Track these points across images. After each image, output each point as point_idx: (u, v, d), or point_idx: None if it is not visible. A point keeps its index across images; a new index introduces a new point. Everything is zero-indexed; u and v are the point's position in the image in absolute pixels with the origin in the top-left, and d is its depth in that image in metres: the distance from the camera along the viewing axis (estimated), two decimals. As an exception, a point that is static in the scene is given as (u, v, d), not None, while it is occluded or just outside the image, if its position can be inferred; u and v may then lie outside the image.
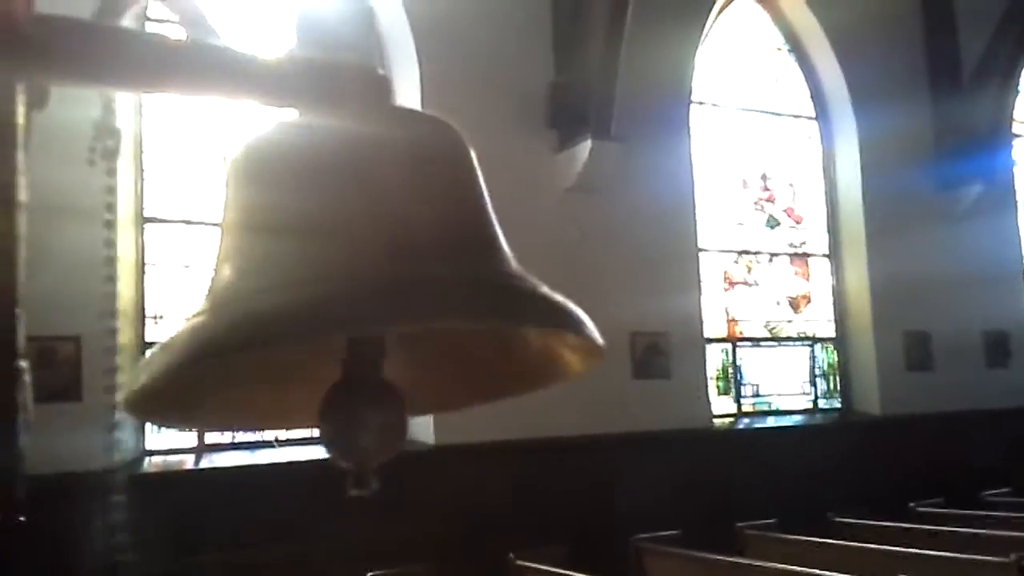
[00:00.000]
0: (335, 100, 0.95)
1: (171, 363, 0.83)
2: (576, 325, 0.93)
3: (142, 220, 5.97)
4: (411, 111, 1.05)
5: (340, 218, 0.88)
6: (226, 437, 6.01)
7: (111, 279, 1.18)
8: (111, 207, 1.14)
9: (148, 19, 6.08)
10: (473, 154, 1.01)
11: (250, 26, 6.26)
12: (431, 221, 0.91)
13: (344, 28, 1.05)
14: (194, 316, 0.88)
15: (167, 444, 5.87)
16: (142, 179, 5.99)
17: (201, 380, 0.97)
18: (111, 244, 1.16)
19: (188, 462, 5.85)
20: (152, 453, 5.80)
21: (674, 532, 6.14)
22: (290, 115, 0.99)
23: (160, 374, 0.84)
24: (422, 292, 0.83)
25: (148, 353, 0.90)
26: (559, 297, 0.94)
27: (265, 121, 0.97)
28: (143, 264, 5.93)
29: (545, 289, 0.94)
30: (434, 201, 0.93)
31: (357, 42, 1.05)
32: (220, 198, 1.01)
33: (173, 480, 5.61)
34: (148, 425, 5.80)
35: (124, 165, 5.79)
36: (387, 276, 0.83)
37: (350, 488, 0.93)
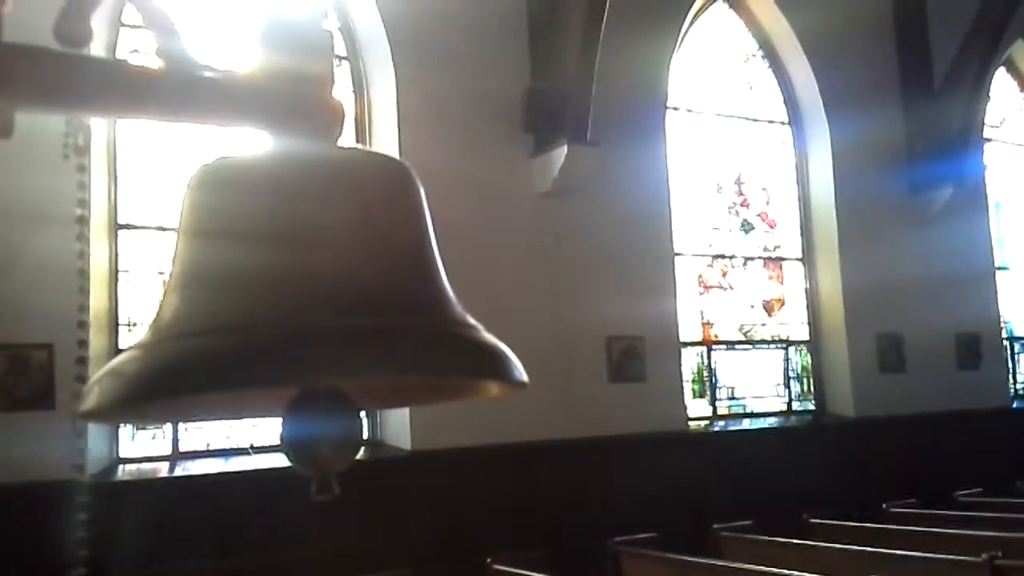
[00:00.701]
0: (294, 125, 1.00)
1: (114, 397, 0.89)
2: (502, 374, 0.98)
3: (115, 227, 5.93)
4: (367, 153, 1.08)
5: (284, 266, 0.91)
6: (201, 444, 5.98)
7: (83, 274, 1.19)
8: (83, 203, 1.16)
9: (123, 24, 6.07)
10: (422, 193, 1.04)
11: (217, 28, 6.22)
12: (371, 270, 0.95)
13: (307, 36, 1.07)
14: (138, 346, 0.93)
15: (141, 452, 5.83)
16: (115, 186, 5.95)
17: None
18: (84, 239, 1.18)
19: (162, 469, 5.80)
20: (126, 461, 5.75)
21: (651, 535, 6.16)
22: (252, 137, 1.01)
23: (106, 404, 0.90)
24: (348, 347, 0.87)
25: (98, 372, 0.94)
26: (491, 342, 0.98)
27: (219, 156, 1.00)
28: (116, 271, 5.89)
29: (479, 335, 0.98)
30: (374, 250, 0.96)
31: (320, 48, 1.07)
32: (176, 220, 1.05)
33: (147, 488, 5.57)
34: (121, 433, 5.75)
35: (97, 171, 5.74)
36: (319, 328, 0.87)
37: (313, 494, 0.98)
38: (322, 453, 0.97)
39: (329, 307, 0.89)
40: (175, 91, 1.00)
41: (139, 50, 6.01)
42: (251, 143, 1.05)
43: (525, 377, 0.99)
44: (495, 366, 0.98)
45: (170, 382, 0.87)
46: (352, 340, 0.87)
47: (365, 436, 1.10)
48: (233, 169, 0.99)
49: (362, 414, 1.03)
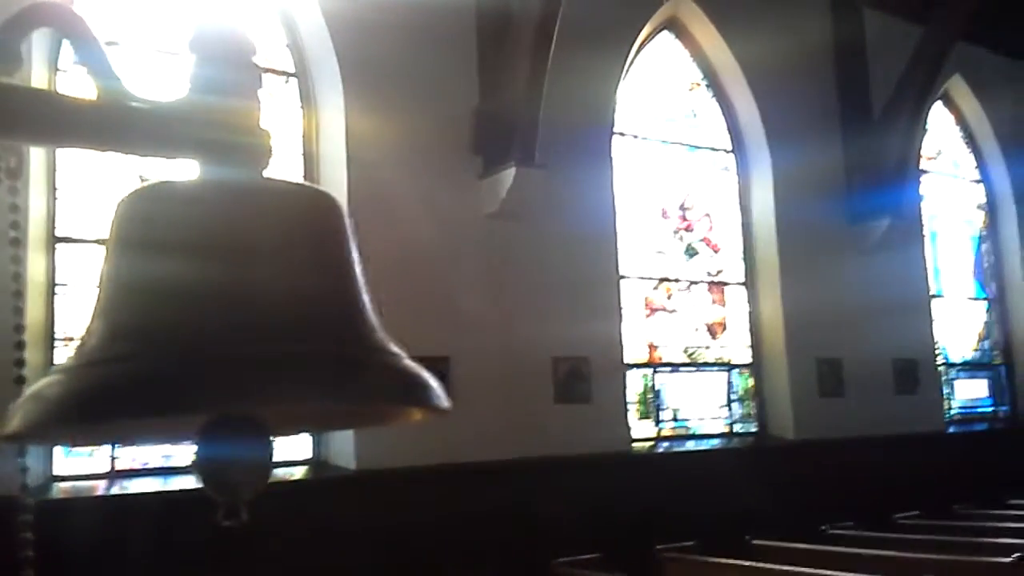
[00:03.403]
0: (222, 155, 1.02)
1: (35, 420, 0.91)
2: (423, 401, 1.01)
3: (53, 240, 5.81)
4: (293, 183, 1.11)
5: (206, 292, 0.93)
6: (138, 463, 5.86)
7: (19, 295, 1.18)
8: (16, 225, 1.16)
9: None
10: (349, 224, 1.07)
11: (147, 57, 6.16)
12: (293, 298, 0.97)
13: (234, 44, 1.09)
14: (61, 370, 0.94)
15: (77, 469, 5.69)
16: (54, 198, 5.84)
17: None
18: (19, 261, 1.17)
19: (99, 488, 5.67)
20: (60, 479, 5.61)
21: (595, 555, 6.18)
22: (181, 166, 1.05)
23: (28, 426, 0.92)
24: (268, 374, 0.89)
25: (21, 396, 0.95)
26: (412, 368, 1.00)
27: (147, 183, 1.03)
28: (53, 285, 5.76)
29: (400, 361, 1.00)
30: (301, 277, 0.99)
31: (247, 62, 1.10)
32: (103, 247, 1.07)
33: (83, 506, 5.43)
34: (56, 450, 5.61)
35: (35, 184, 5.64)
36: (239, 355, 0.89)
37: (220, 520, 0.98)
38: (233, 479, 0.99)
39: (252, 334, 0.91)
40: (105, 122, 1.01)
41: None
42: (180, 171, 1.07)
43: (446, 403, 1.02)
44: (416, 393, 1.00)
45: (90, 408, 0.89)
46: (272, 367, 0.89)
47: (275, 462, 1.10)
48: (160, 197, 1.01)
49: (274, 440, 1.04)
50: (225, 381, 0.87)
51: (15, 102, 0.98)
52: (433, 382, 1.00)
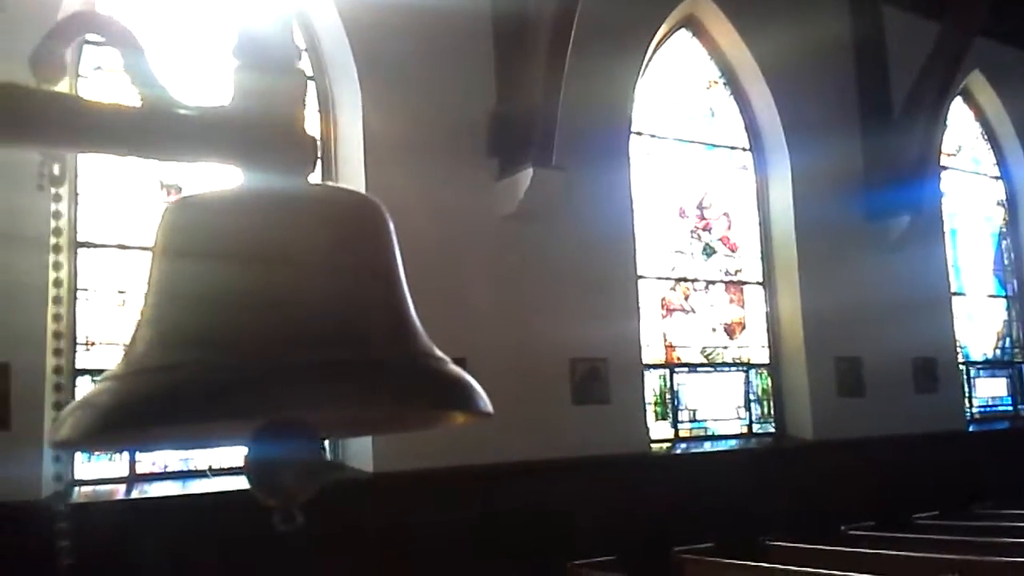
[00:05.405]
0: (266, 161, 1.02)
1: (87, 427, 0.92)
2: (469, 406, 1.02)
3: (75, 245, 5.85)
4: (338, 189, 1.11)
5: (252, 300, 0.94)
6: (158, 466, 5.89)
7: (59, 301, 1.20)
8: (58, 231, 1.17)
9: (87, 41, 6.02)
10: (393, 230, 1.07)
11: (190, 63, 6.19)
12: (340, 304, 0.97)
13: (277, 50, 1.08)
14: (110, 378, 0.95)
15: (97, 473, 5.73)
16: (76, 203, 5.87)
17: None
18: (59, 267, 1.19)
19: (119, 492, 5.71)
20: (81, 483, 5.65)
21: (612, 557, 6.18)
22: (224, 173, 1.04)
23: (79, 434, 0.92)
24: (319, 381, 0.90)
25: (70, 404, 0.96)
26: (457, 374, 1.01)
27: (193, 192, 1.03)
28: (75, 289, 5.80)
29: (446, 367, 1.01)
30: (347, 283, 0.99)
31: (291, 65, 1.09)
32: (149, 256, 1.07)
33: (103, 510, 5.47)
34: (77, 454, 5.65)
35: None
36: (290, 362, 0.90)
37: (276, 524, 0.99)
38: (286, 483, 0.99)
39: (300, 340, 0.91)
40: (149, 129, 1.01)
41: (103, 67, 5.97)
42: (222, 176, 1.07)
43: (490, 408, 1.02)
44: (463, 398, 1.01)
45: (143, 414, 0.89)
46: (323, 374, 0.89)
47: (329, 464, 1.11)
48: (207, 205, 1.01)
49: (325, 443, 1.04)
50: (277, 388, 0.87)
51: (60, 110, 0.98)
52: (478, 387, 1.01)
